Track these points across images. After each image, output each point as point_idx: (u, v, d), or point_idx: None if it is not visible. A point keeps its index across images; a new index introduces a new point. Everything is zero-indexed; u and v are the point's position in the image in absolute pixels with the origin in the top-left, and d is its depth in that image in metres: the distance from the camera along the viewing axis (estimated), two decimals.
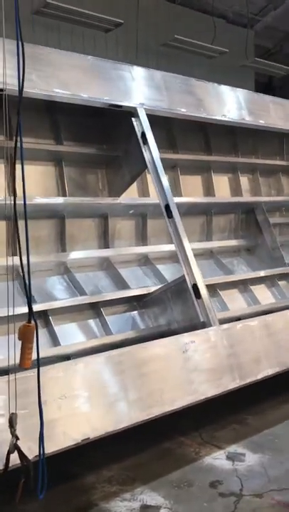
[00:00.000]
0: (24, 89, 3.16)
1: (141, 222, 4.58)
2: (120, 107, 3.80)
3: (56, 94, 3.41)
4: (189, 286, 3.52)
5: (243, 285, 4.83)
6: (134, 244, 4.56)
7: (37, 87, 3.33)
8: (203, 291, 3.51)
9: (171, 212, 3.67)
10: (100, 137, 4.25)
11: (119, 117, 3.97)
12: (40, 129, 3.98)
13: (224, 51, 7.50)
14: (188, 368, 3.13)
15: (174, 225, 3.67)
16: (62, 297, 3.79)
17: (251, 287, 4.82)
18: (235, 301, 4.68)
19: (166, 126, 4.79)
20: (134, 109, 3.86)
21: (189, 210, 4.88)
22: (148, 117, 3.97)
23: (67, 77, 3.52)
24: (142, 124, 3.83)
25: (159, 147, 4.68)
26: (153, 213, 4.60)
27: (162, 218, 4.63)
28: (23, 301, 3.52)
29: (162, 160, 4.61)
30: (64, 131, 4.09)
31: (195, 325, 3.46)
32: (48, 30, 6.27)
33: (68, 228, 4.11)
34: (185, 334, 3.26)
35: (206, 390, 3.12)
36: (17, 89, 2.20)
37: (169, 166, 4.81)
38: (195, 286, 3.51)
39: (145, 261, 4.53)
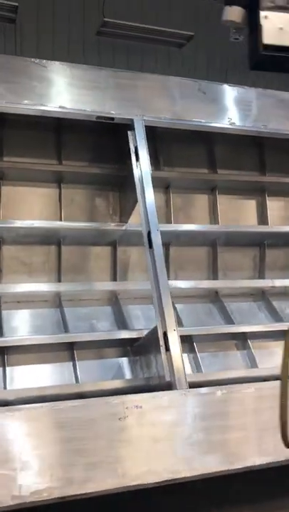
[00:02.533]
0: None
1: (163, 252, 3.93)
2: (112, 119, 3.30)
3: (24, 107, 3.07)
4: (160, 334, 2.81)
5: None
6: None
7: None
8: (174, 343, 2.76)
9: (151, 241, 3.01)
10: (115, 157, 3.79)
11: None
12: (42, 149, 3.68)
13: None
14: (121, 442, 2.42)
15: (152, 257, 2.99)
16: (39, 333, 3.37)
17: None
18: (275, 357, 3.70)
19: (206, 142, 4.11)
20: (131, 121, 3.32)
21: (232, 241, 4.08)
22: (162, 130, 3.44)
23: (43, 87, 3.16)
24: (136, 138, 3.27)
25: (196, 166, 4.08)
26: (178, 242, 3.95)
27: (192, 248, 4.02)
28: None
29: (198, 181, 4.04)
30: (68, 150, 3.72)
31: (162, 385, 2.73)
32: (130, 53, 6.04)
33: (67, 256, 3.69)
34: (130, 395, 2.55)
35: (138, 475, 2.37)
36: None
37: (208, 188, 4.09)
38: (165, 336, 2.78)
39: None
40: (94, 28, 5.51)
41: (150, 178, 3.17)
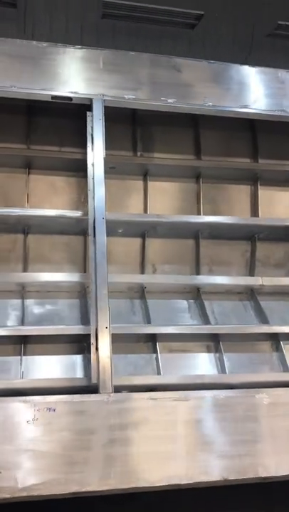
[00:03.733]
0: None
1: (139, 243, 3.68)
2: (70, 99, 3.08)
3: None
4: (92, 332, 2.57)
5: (274, 341, 3.44)
6: (130, 271, 3.68)
7: None
8: (104, 342, 2.52)
9: (95, 230, 2.78)
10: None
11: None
12: (10, 132, 3.52)
13: None
14: (27, 446, 2.22)
15: (93, 247, 2.76)
16: None
17: (286, 346, 3.39)
18: (256, 363, 3.34)
19: (192, 125, 3.79)
20: (91, 101, 3.09)
21: (218, 233, 3.73)
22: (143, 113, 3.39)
23: None
24: (93, 119, 3.03)
25: (179, 152, 3.79)
26: (156, 234, 3.67)
27: (173, 241, 3.76)
28: None
29: (180, 168, 3.75)
30: (38, 134, 3.55)
31: (87, 387, 2.51)
32: (148, 36, 5.77)
33: (35, 245, 3.54)
34: (45, 397, 2.35)
35: (40, 485, 2.16)
36: None
37: (192, 176, 3.77)
38: (96, 334, 2.55)
39: (140, 294, 3.61)
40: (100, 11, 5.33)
41: (103, 163, 2.94)
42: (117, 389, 2.78)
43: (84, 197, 3.63)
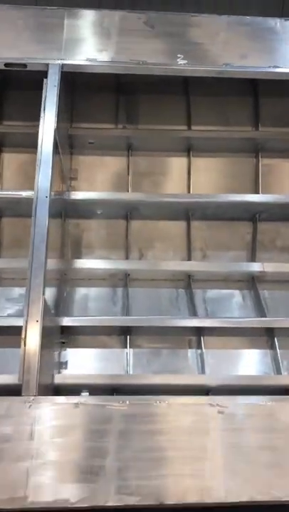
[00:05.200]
0: None
1: (123, 225, 3.32)
2: (24, 66, 2.77)
3: None
4: (23, 325, 2.27)
5: (269, 337, 2.96)
6: (114, 257, 3.34)
7: None
8: (33, 336, 2.20)
9: (36, 209, 2.46)
10: (65, 116, 3.25)
11: None
12: None
13: None
14: None
15: (33, 229, 2.44)
16: None
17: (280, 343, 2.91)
18: (247, 363, 2.89)
19: (182, 92, 3.35)
20: (47, 66, 2.76)
21: (213, 214, 3.29)
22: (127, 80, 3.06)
23: None
24: (48, 87, 2.70)
25: (167, 123, 3.40)
26: (140, 216, 3.29)
27: (163, 222, 3.40)
28: None
29: (169, 140, 3.36)
30: (11, 108, 3.29)
31: (11, 387, 2.22)
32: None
33: (10, 230, 3.30)
34: None
35: None
36: None
37: (182, 149, 3.32)
38: (26, 328, 2.24)
39: (123, 281, 3.26)
40: None
41: (52, 136, 2.60)
42: (70, 388, 2.52)
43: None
